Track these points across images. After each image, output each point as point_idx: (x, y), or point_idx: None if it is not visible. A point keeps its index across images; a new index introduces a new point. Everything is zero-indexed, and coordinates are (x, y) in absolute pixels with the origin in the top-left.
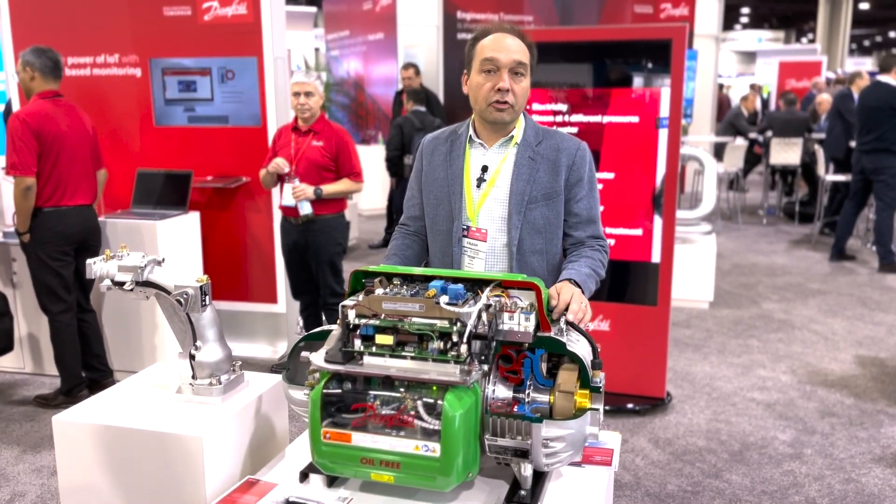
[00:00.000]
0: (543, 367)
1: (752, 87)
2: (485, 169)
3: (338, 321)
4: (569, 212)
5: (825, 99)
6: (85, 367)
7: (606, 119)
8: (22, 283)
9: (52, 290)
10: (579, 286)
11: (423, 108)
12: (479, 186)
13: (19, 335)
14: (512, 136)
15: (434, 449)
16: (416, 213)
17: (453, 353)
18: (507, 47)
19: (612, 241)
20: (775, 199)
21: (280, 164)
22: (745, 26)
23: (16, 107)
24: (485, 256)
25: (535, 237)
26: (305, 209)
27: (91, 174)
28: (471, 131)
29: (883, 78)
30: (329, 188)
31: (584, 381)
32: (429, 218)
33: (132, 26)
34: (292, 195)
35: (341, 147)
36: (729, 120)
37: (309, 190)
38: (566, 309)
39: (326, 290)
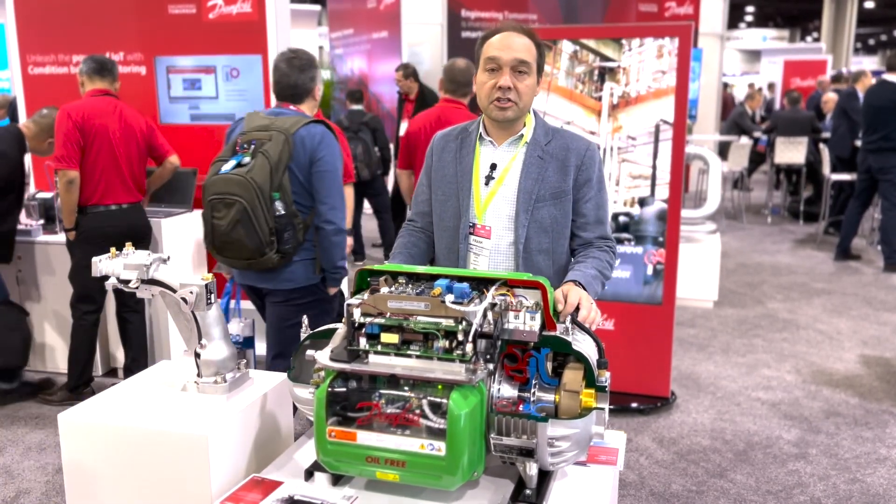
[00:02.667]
0: (549, 366)
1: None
2: (493, 167)
3: (342, 320)
4: (577, 212)
5: (831, 98)
6: (125, 369)
7: None
8: (25, 280)
9: (88, 291)
10: (584, 288)
11: (359, 107)
12: (487, 184)
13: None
14: (522, 135)
15: (439, 448)
16: (424, 209)
17: (459, 351)
18: (509, 46)
19: None
20: (780, 198)
21: None
22: (749, 25)
23: (20, 106)
24: (489, 254)
25: (542, 236)
26: None
27: (136, 173)
28: (481, 129)
29: (889, 77)
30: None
31: (590, 381)
32: (436, 214)
33: (137, 24)
34: None
35: None
36: (733, 119)
37: (349, 241)
38: (573, 312)
39: None
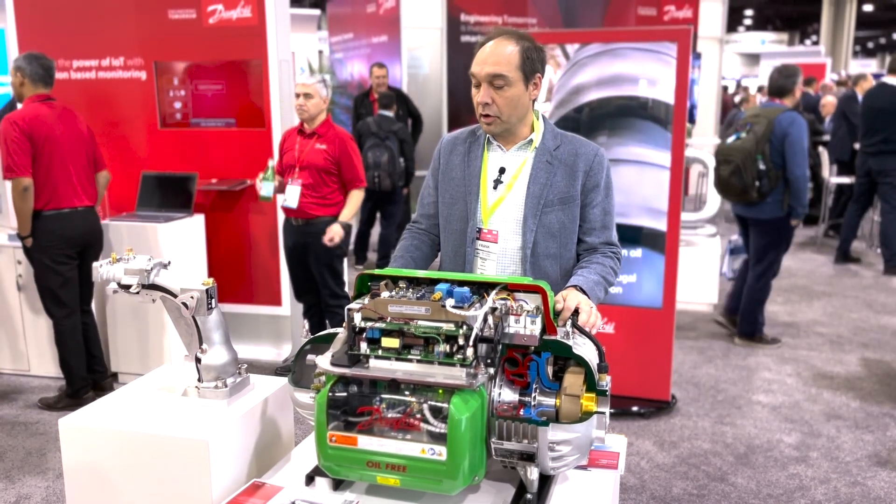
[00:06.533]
0: (549, 370)
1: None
2: (502, 171)
3: (343, 324)
4: (583, 217)
5: (830, 101)
6: (90, 370)
7: None
8: (27, 286)
9: (55, 295)
10: (585, 293)
11: (388, 114)
12: (496, 188)
13: (24, 337)
14: (531, 140)
15: (440, 452)
16: (430, 211)
17: (459, 356)
18: (484, 60)
19: None
20: None
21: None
22: (748, 28)
23: None
24: (496, 258)
25: (550, 241)
26: (292, 201)
27: (89, 176)
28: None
29: (888, 79)
30: (347, 213)
31: (591, 385)
32: (443, 217)
33: (137, 29)
34: (326, 240)
35: (344, 153)
36: (729, 122)
37: (341, 232)
38: (572, 315)
39: (326, 292)
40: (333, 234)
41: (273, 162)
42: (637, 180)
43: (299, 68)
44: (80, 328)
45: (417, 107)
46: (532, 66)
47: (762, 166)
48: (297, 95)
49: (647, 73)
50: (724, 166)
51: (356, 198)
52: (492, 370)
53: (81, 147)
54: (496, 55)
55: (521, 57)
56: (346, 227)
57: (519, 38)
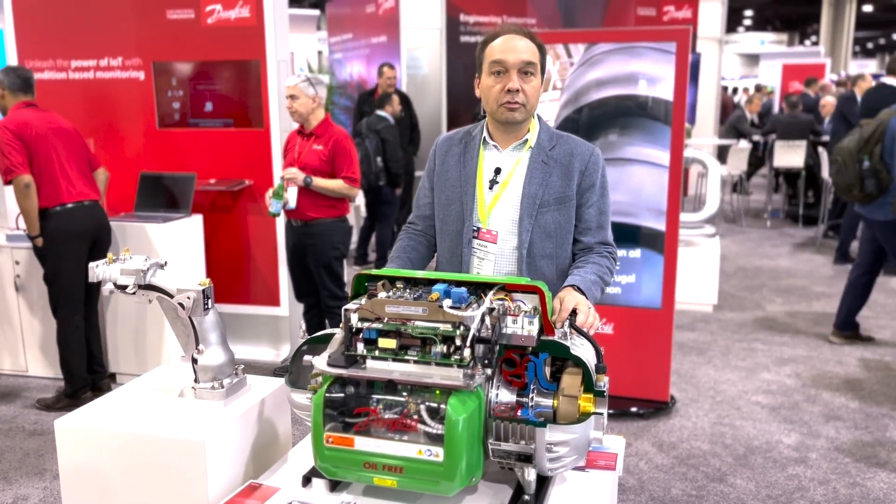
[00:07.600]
0: (547, 370)
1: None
2: (498, 171)
3: (340, 324)
4: (579, 217)
5: (829, 101)
6: (89, 370)
7: None
8: (25, 286)
9: (66, 293)
10: (583, 293)
11: (382, 114)
12: (491, 188)
13: (22, 338)
14: (526, 140)
15: (437, 453)
16: (426, 212)
17: (456, 356)
18: (514, 48)
19: None
20: (779, 201)
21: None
22: (748, 29)
23: None
24: (494, 259)
25: (546, 241)
26: (291, 202)
27: (87, 172)
28: (485, 133)
29: (888, 80)
30: (321, 182)
31: (588, 385)
32: (439, 218)
33: (136, 29)
34: (283, 176)
35: (338, 149)
36: (731, 123)
37: (300, 176)
38: (570, 315)
39: (325, 293)
40: (293, 174)
41: (282, 179)
42: (646, 180)
43: (298, 69)
44: (83, 328)
45: (416, 112)
46: (544, 63)
47: (867, 165)
48: (287, 98)
49: (660, 73)
50: (832, 165)
51: (340, 184)
52: (489, 371)
53: (72, 144)
54: (525, 45)
55: (541, 53)
56: (307, 182)
57: (531, 35)
